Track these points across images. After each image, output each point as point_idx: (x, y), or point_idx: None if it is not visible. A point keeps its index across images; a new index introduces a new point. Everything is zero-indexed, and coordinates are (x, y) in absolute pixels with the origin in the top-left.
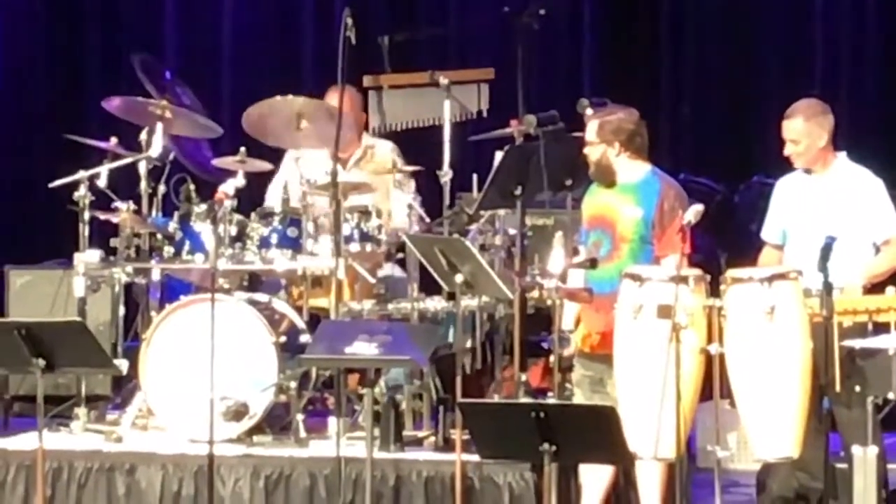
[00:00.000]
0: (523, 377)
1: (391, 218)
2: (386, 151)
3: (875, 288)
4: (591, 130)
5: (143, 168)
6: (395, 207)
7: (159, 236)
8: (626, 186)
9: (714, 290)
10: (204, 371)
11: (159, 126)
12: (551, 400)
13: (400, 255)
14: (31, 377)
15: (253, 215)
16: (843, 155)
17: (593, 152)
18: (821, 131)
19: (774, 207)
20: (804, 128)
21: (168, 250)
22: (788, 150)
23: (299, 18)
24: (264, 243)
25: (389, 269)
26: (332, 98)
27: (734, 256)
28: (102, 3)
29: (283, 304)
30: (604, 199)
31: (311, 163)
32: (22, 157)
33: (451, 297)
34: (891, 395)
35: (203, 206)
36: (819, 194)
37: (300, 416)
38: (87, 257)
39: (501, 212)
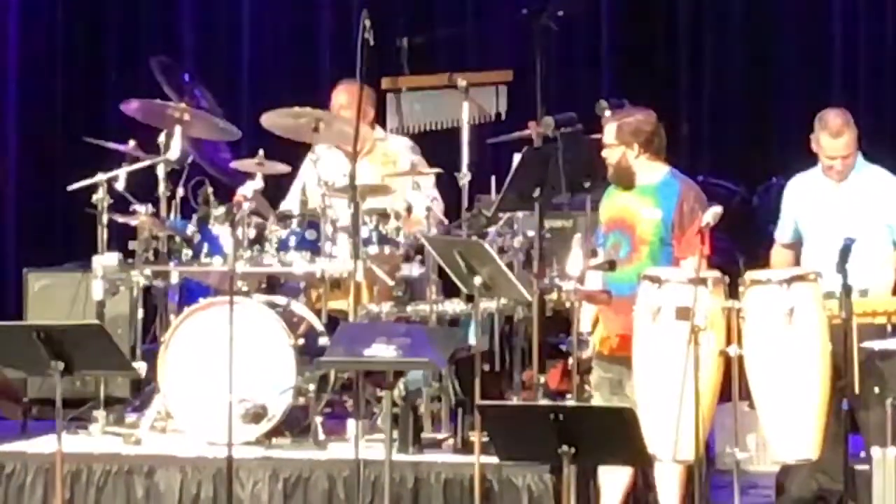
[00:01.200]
0: (542, 379)
1: (409, 214)
2: (398, 148)
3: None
4: (609, 133)
5: (161, 171)
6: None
7: (178, 239)
8: (645, 188)
9: (733, 292)
10: (222, 374)
11: (178, 129)
12: (570, 402)
13: (419, 258)
14: (49, 380)
15: (271, 218)
16: (860, 156)
17: (612, 154)
18: (856, 137)
19: (787, 207)
20: (852, 139)
21: (186, 253)
22: (841, 165)
23: (318, 21)
24: (283, 246)
25: (408, 271)
26: (340, 94)
27: (753, 258)
28: (121, 5)
29: (302, 307)
30: (622, 201)
31: (330, 164)
32: (40, 160)
33: (470, 299)
34: None
35: (221, 209)
36: (838, 195)
37: (319, 419)
38: (106, 260)
39: (520, 214)
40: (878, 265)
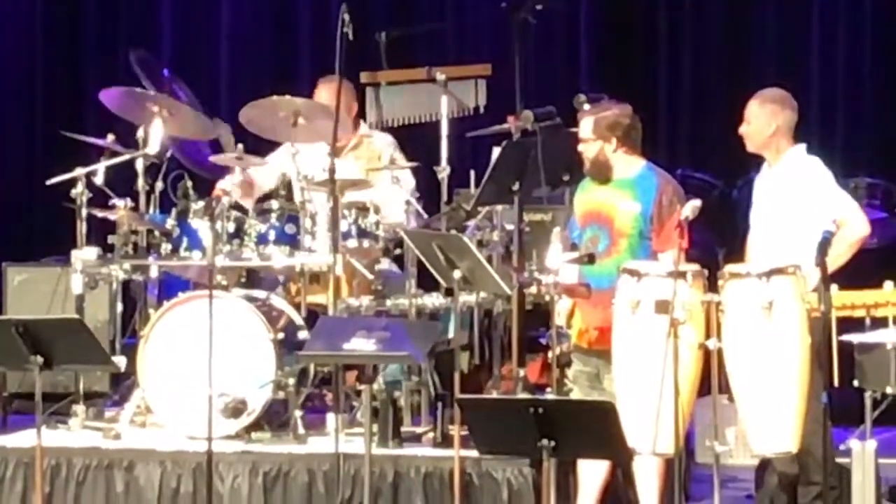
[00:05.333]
0: (521, 373)
1: (381, 211)
2: (382, 145)
3: (873, 283)
4: (585, 127)
5: (140, 165)
6: (389, 203)
7: (157, 233)
8: (622, 182)
9: (712, 286)
10: (202, 368)
11: (157, 123)
12: (550, 396)
13: (398, 252)
14: (29, 374)
15: (251, 212)
16: (800, 147)
17: (589, 149)
18: (770, 119)
19: None
20: (756, 111)
21: (166, 247)
22: (741, 128)
23: (296, 14)
24: (262, 240)
25: (387, 265)
26: (321, 90)
27: (732, 252)
28: (100, 0)
29: (281, 301)
30: (599, 194)
31: (309, 158)
32: (19, 155)
33: (449, 293)
34: (889, 390)
35: (201, 203)
36: (769, 185)
37: (298, 413)
38: (85, 254)
39: (499, 207)
40: (800, 251)
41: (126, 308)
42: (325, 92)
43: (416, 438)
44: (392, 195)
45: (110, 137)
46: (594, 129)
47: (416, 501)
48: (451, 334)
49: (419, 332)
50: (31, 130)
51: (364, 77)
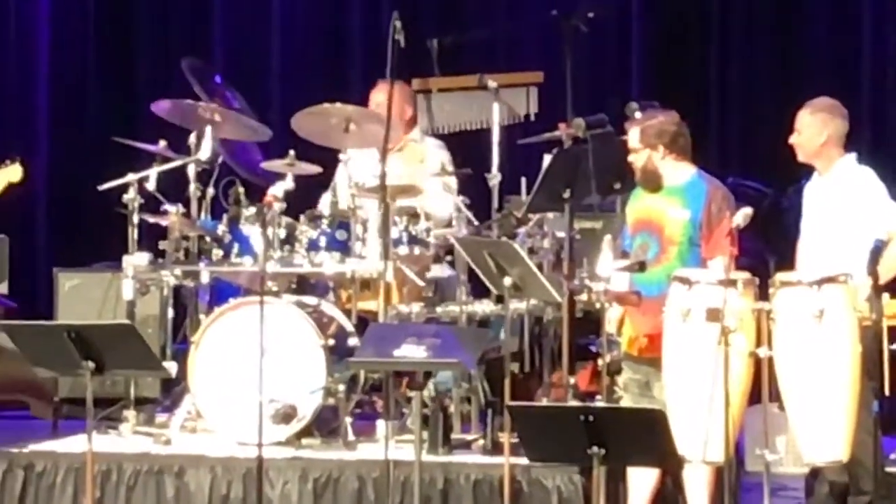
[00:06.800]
0: (572, 380)
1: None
2: (430, 148)
3: None
4: (633, 137)
5: (192, 171)
6: (440, 209)
7: (208, 239)
8: (672, 189)
9: (763, 294)
10: (252, 374)
11: (208, 129)
12: (600, 403)
13: (449, 258)
14: (80, 379)
15: (302, 218)
16: (851, 156)
17: (638, 158)
18: (821, 128)
19: None
20: (807, 120)
21: (217, 253)
22: (792, 139)
23: (348, 21)
24: (313, 246)
25: (438, 272)
26: (379, 91)
27: (783, 260)
28: (152, 6)
29: (332, 307)
30: (649, 202)
31: (360, 164)
32: (72, 160)
33: (500, 300)
34: None
35: (252, 209)
36: (819, 194)
37: (348, 419)
38: (136, 260)
39: (550, 215)
40: (851, 261)
41: (177, 314)
42: (382, 94)
43: (466, 445)
44: (443, 202)
45: (162, 143)
46: (641, 138)
47: None
48: (501, 342)
49: (469, 340)
50: (83, 136)
51: (416, 84)
